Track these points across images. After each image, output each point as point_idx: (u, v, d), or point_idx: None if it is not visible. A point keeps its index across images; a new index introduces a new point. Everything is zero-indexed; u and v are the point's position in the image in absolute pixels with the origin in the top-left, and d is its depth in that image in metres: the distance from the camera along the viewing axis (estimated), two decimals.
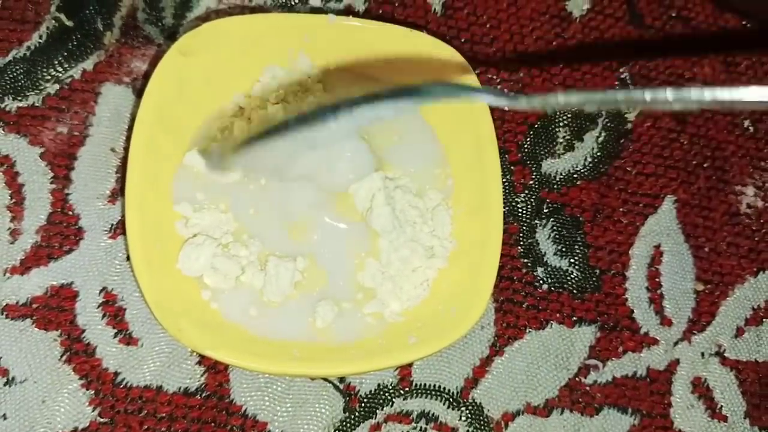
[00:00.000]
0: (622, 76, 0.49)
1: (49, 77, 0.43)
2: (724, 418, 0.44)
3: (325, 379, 0.40)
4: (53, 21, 0.44)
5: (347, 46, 0.42)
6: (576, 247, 0.45)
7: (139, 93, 0.43)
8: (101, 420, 0.38)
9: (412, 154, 0.42)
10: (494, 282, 0.38)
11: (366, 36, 0.42)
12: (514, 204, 0.45)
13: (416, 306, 0.40)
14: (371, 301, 0.39)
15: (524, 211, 0.46)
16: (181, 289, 0.37)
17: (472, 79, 0.41)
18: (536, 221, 0.45)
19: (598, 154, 0.48)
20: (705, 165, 0.49)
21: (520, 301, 0.44)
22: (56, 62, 0.43)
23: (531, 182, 0.46)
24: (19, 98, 0.42)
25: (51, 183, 0.41)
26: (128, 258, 0.40)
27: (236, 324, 0.38)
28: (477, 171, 0.41)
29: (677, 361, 0.45)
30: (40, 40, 0.43)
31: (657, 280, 0.46)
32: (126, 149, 0.42)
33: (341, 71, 0.43)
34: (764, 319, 0.47)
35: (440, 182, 0.42)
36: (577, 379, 0.43)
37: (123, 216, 0.40)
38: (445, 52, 0.42)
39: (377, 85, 0.42)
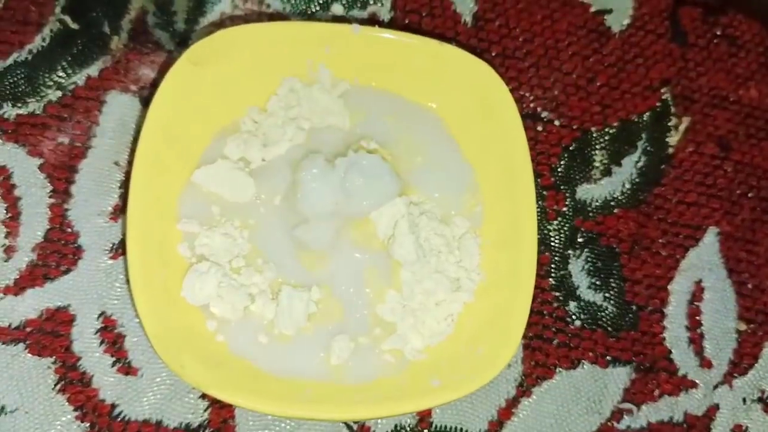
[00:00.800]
0: (664, 96, 0.47)
1: (51, 83, 0.42)
2: None
3: None
4: (58, 23, 0.43)
5: (371, 58, 0.41)
6: (611, 280, 0.44)
7: (146, 102, 0.43)
8: None
9: (438, 177, 0.41)
10: (526, 320, 0.36)
11: (391, 48, 0.41)
12: (546, 232, 0.44)
13: (439, 343, 0.38)
14: (391, 337, 0.38)
15: (557, 240, 0.44)
16: (185, 319, 0.36)
17: (504, 95, 0.40)
18: (569, 251, 0.44)
19: (637, 180, 0.46)
20: (750, 195, 0.47)
21: (550, 338, 0.42)
22: (59, 67, 0.43)
23: (564, 209, 0.44)
24: (19, 105, 0.42)
25: (50, 197, 0.40)
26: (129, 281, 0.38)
27: (244, 359, 0.36)
28: (509, 197, 0.39)
29: (717, 407, 0.43)
30: (43, 44, 0.43)
31: (697, 318, 0.44)
32: (131, 163, 0.41)
33: (364, 85, 0.42)
34: None
35: (468, 208, 0.41)
36: (609, 423, 0.41)
37: (125, 236, 0.39)
38: (476, 66, 0.41)
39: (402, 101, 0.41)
